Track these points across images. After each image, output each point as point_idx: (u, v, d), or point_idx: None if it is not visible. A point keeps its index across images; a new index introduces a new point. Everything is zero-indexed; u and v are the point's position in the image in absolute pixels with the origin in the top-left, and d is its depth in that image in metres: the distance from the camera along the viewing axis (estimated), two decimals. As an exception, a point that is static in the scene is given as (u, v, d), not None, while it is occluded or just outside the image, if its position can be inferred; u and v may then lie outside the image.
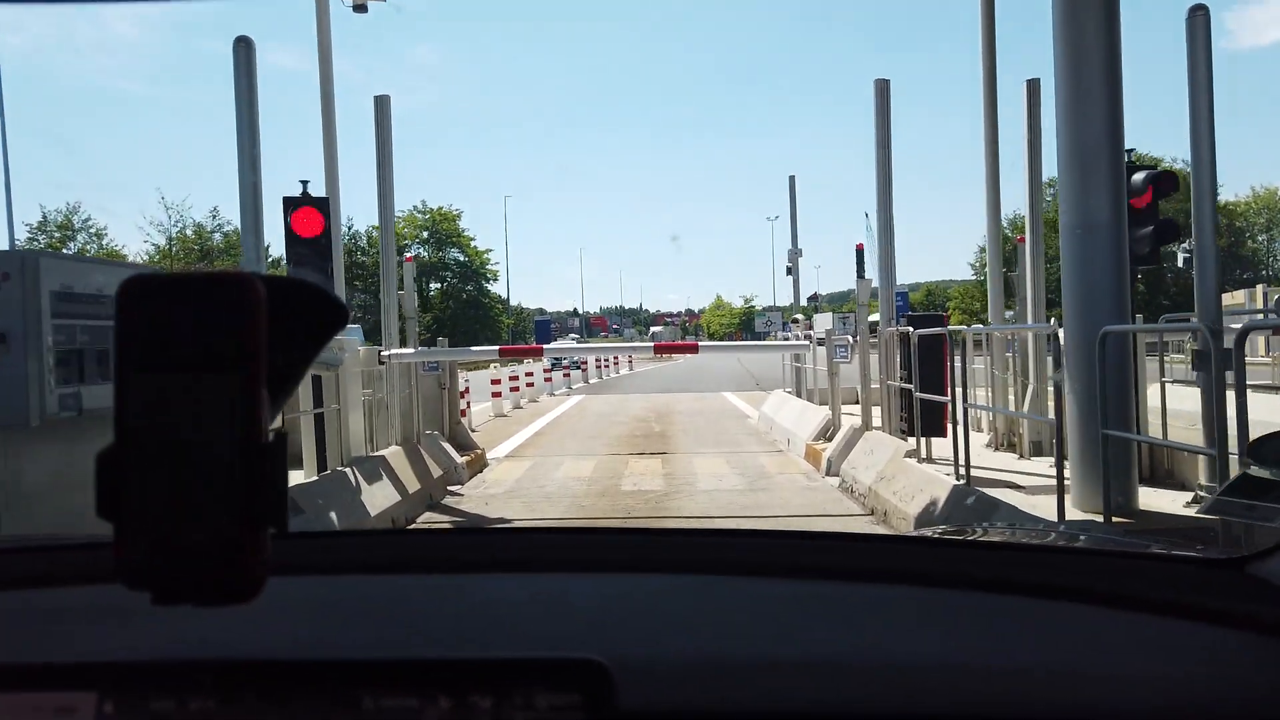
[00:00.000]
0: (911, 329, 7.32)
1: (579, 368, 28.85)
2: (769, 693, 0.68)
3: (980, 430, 9.48)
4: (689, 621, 0.80)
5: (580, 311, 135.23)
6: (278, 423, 0.49)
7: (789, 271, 18.57)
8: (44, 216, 51.18)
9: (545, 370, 21.98)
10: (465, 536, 1.33)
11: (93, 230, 51.85)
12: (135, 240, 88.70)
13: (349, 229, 66.28)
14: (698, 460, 10.46)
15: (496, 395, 17.93)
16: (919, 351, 7.13)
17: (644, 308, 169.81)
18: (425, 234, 77.21)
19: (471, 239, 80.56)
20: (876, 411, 8.84)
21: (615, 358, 38.15)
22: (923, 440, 7.32)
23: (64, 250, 51.75)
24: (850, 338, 9.43)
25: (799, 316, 14.25)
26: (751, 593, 0.87)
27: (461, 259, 79.28)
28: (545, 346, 10.09)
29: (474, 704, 0.54)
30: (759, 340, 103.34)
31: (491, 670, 0.56)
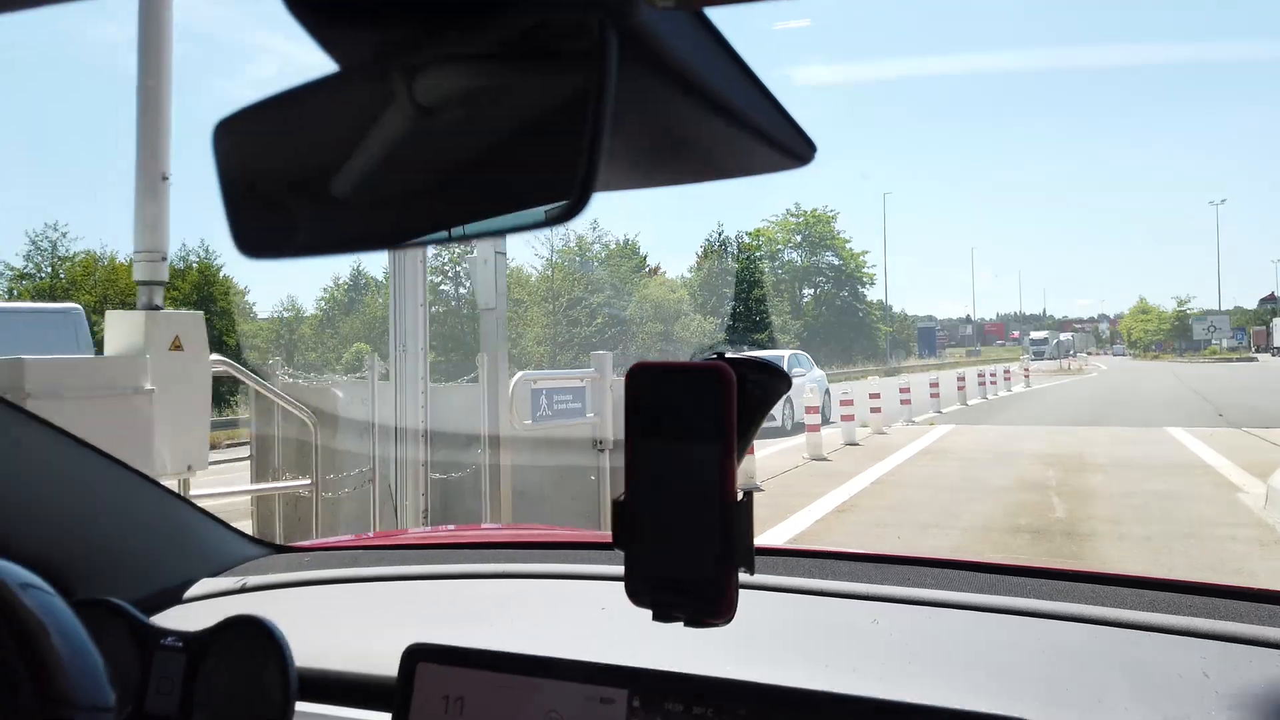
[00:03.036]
0: None
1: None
2: None
3: None
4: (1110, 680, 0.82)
5: (973, 318, 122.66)
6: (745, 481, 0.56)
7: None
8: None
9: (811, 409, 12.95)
10: (920, 567, 1.13)
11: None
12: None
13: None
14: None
15: (813, 429, 12.60)
16: None
17: (1047, 313, 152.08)
18: (798, 238, 72.88)
19: (847, 241, 74.77)
20: None
21: (1007, 372, 30.37)
22: None
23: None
24: None
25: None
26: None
27: (836, 262, 73.71)
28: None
29: None
30: (1195, 349, 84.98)
31: None
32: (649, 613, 0.60)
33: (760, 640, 0.93)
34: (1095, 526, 7.22)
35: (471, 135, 0.47)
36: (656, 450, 0.59)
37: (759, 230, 72.63)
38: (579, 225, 61.35)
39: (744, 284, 63.80)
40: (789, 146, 0.55)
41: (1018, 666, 0.86)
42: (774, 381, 0.60)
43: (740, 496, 0.57)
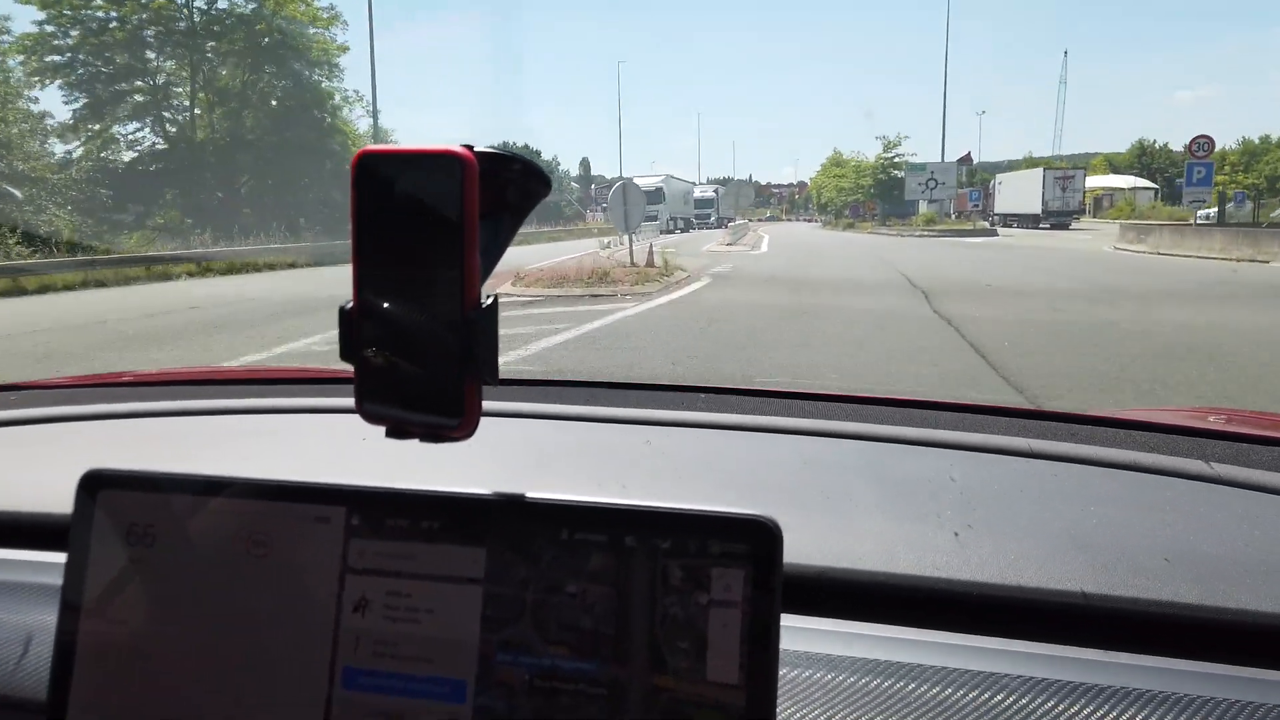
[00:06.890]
0: None
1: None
2: (921, 562, 0.73)
3: None
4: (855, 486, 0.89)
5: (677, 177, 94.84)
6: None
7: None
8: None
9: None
10: (647, 392, 1.27)
11: None
12: None
13: None
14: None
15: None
16: None
17: (754, 179, 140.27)
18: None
19: (320, 9, 38.58)
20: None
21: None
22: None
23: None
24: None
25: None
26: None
27: (276, 43, 37.81)
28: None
29: (655, 544, 0.60)
30: (902, 216, 59.53)
31: (675, 520, 0.62)
32: (383, 435, 0.55)
33: (527, 464, 0.95)
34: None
35: None
36: (387, 251, 0.52)
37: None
38: None
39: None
40: None
41: (777, 478, 0.92)
42: (531, 182, 0.54)
43: (486, 302, 0.52)
